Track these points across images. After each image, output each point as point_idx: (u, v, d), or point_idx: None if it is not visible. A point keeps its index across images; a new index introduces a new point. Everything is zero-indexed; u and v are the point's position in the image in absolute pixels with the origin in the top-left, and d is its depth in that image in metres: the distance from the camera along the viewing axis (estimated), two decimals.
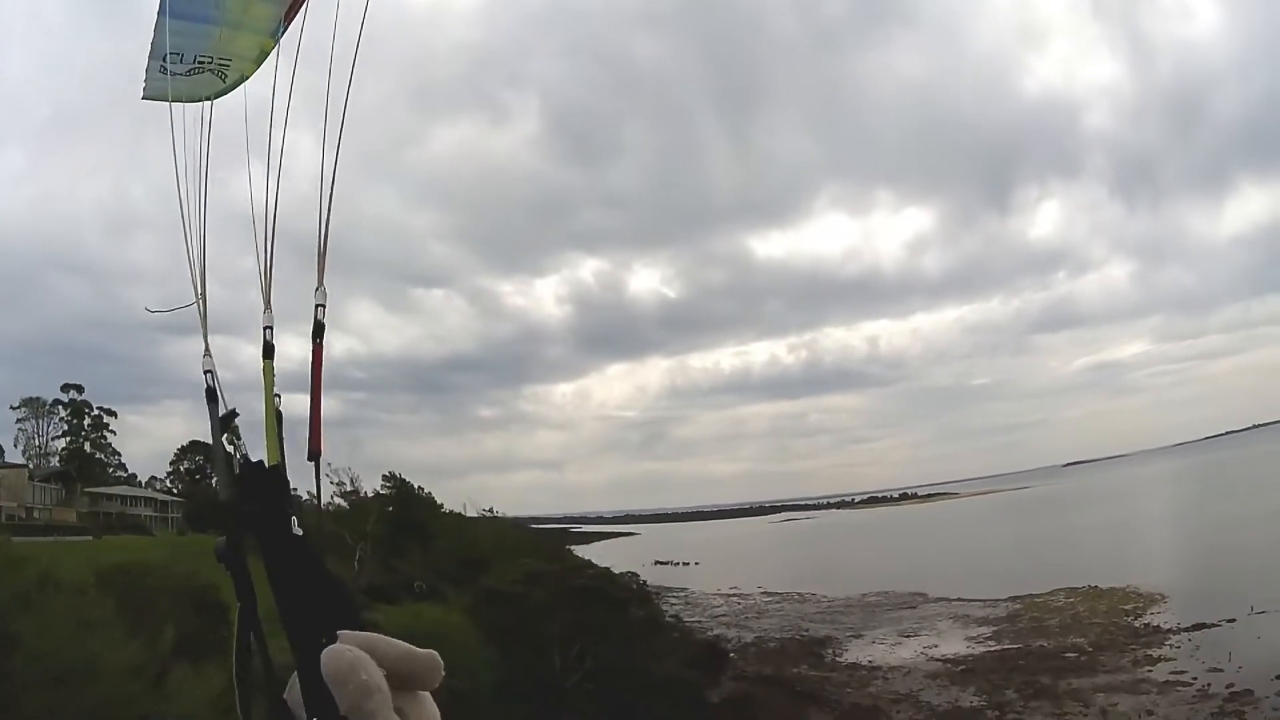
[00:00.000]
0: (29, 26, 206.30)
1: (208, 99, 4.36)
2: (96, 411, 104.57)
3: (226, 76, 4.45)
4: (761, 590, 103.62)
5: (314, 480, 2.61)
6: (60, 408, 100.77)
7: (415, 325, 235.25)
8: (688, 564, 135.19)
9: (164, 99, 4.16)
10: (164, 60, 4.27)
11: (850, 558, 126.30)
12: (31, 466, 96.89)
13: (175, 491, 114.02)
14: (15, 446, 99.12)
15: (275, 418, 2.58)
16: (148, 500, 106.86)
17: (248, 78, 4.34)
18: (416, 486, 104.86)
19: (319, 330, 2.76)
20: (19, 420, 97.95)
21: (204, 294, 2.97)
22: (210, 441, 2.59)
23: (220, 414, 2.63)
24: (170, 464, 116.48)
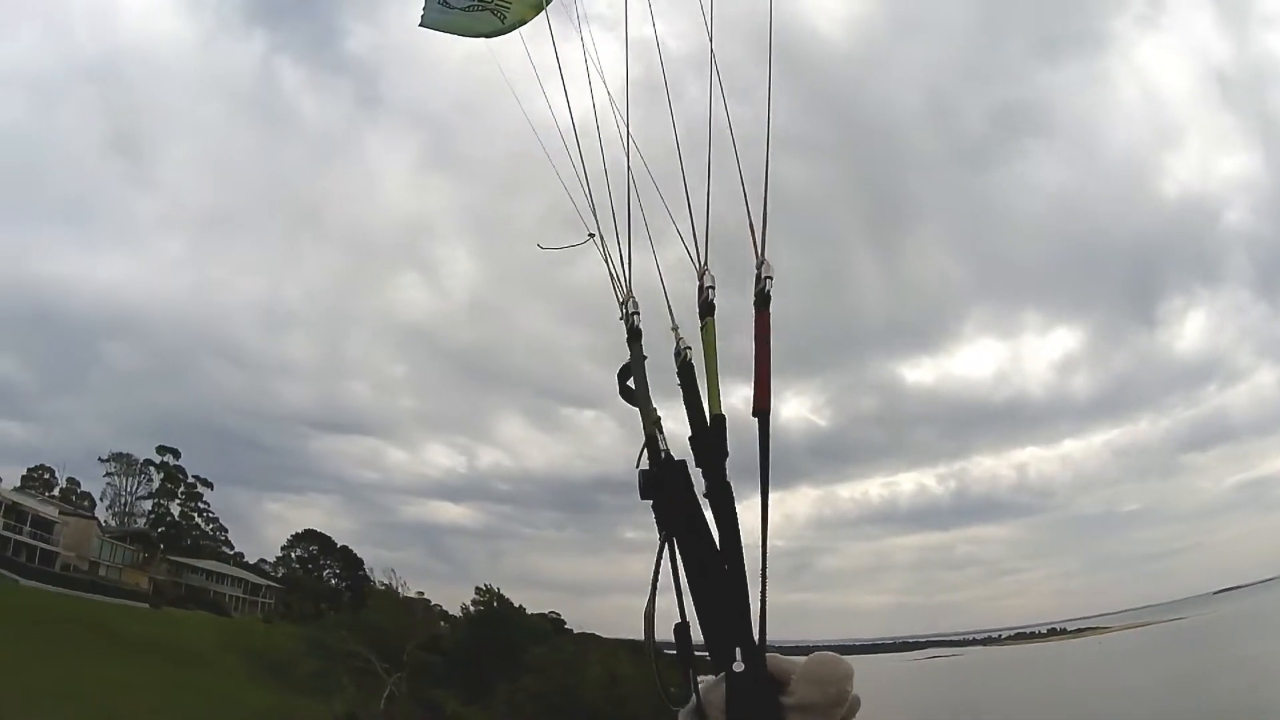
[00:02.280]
0: (190, 125, 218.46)
1: (485, 35, 5.71)
2: (191, 479, 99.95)
3: (505, 18, 5.61)
4: None
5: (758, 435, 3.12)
6: (152, 469, 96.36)
7: (565, 443, 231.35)
8: None
9: (441, 29, 5.88)
10: None
11: (1003, 709, 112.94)
12: (114, 523, 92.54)
13: (276, 577, 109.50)
14: (102, 500, 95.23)
15: (715, 373, 3.24)
16: (237, 580, 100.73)
17: (526, 22, 5.40)
18: (516, 604, 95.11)
19: (764, 300, 3.20)
20: (107, 475, 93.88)
21: (622, 230, 3.71)
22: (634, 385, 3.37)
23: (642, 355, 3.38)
24: (282, 549, 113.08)
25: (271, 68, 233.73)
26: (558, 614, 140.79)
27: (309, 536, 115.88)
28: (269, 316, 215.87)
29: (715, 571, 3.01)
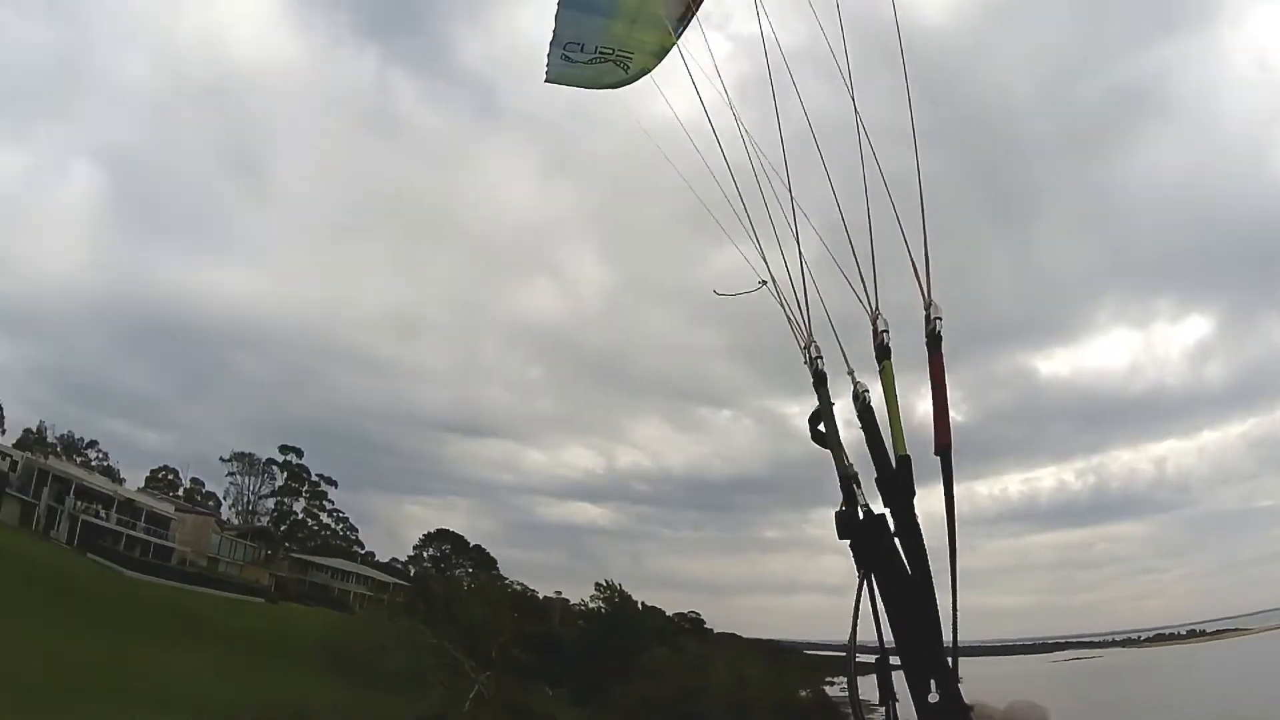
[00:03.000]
0: (309, 140, 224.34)
1: (610, 86, 6.43)
2: (315, 478, 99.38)
3: (629, 68, 6.27)
4: None
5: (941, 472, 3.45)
6: (275, 468, 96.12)
7: (702, 443, 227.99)
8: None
9: (567, 83, 6.48)
10: (564, 48, 6.13)
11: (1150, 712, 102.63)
12: (237, 522, 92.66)
13: (407, 575, 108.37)
14: (225, 499, 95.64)
15: (897, 414, 3.56)
16: (362, 577, 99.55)
17: (649, 71, 6.11)
18: (638, 602, 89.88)
19: (936, 341, 3.56)
20: (230, 474, 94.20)
21: (806, 277, 4.15)
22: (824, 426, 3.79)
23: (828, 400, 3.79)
24: (414, 548, 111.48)
25: (386, 81, 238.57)
26: (697, 614, 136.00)
27: (441, 536, 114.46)
28: (399, 324, 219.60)
29: (909, 607, 3.34)
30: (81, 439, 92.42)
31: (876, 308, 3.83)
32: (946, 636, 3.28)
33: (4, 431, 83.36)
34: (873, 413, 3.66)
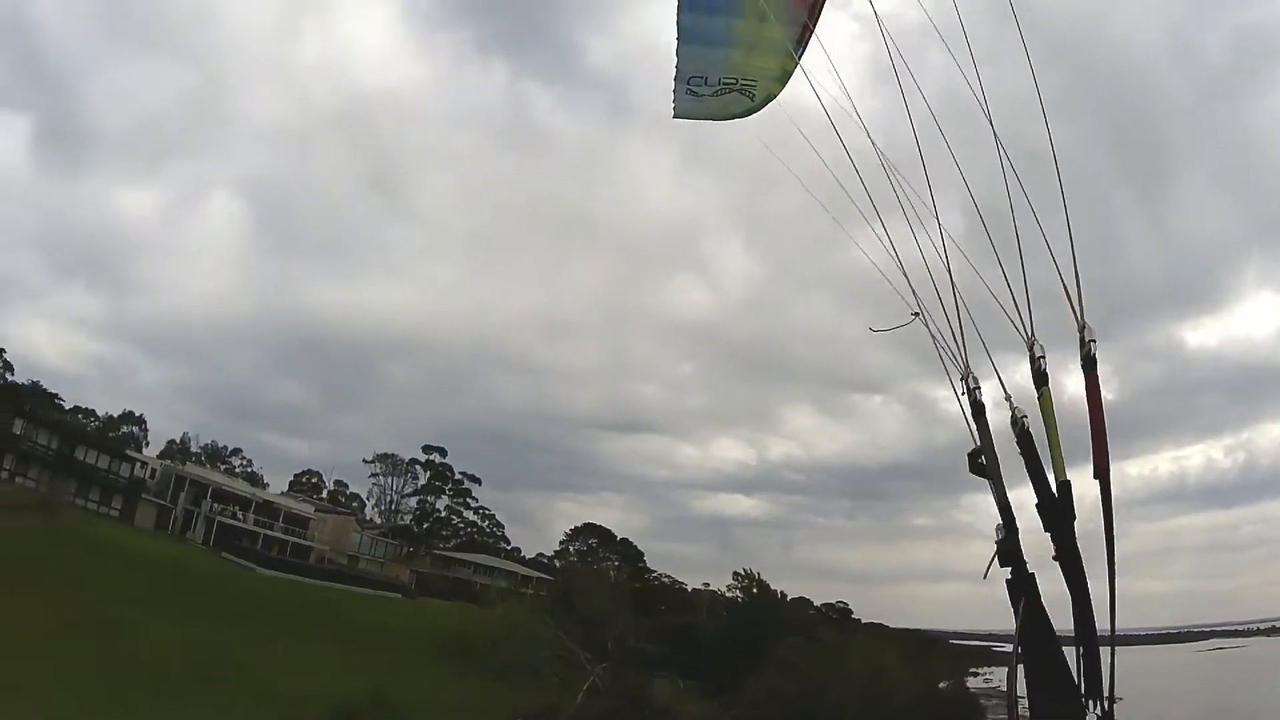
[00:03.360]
0: (444, 158, 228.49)
1: (738, 116, 6.70)
2: (458, 476, 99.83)
3: (755, 96, 6.52)
4: None
5: (1100, 495, 3.55)
6: (418, 468, 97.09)
7: (854, 431, 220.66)
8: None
9: (695, 117, 6.79)
10: (688, 83, 6.39)
11: None
12: (380, 521, 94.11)
13: (553, 569, 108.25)
14: (369, 499, 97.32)
15: (1057, 441, 3.63)
16: (505, 572, 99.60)
17: (775, 96, 6.42)
18: (778, 592, 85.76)
19: (1091, 363, 3.69)
20: (372, 475, 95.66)
21: (960, 309, 4.30)
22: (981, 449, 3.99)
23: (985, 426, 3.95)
24: (560, 543, 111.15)
25: (519, 93, 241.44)
26: (845, 603, 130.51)
27: (588, 530, 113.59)
28: (548, 327, 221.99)
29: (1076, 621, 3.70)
30: (225, 447, 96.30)
31: (1033, 334, 4.01)
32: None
33: (148, 444, 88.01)
34: (1032, 439, 3.86)
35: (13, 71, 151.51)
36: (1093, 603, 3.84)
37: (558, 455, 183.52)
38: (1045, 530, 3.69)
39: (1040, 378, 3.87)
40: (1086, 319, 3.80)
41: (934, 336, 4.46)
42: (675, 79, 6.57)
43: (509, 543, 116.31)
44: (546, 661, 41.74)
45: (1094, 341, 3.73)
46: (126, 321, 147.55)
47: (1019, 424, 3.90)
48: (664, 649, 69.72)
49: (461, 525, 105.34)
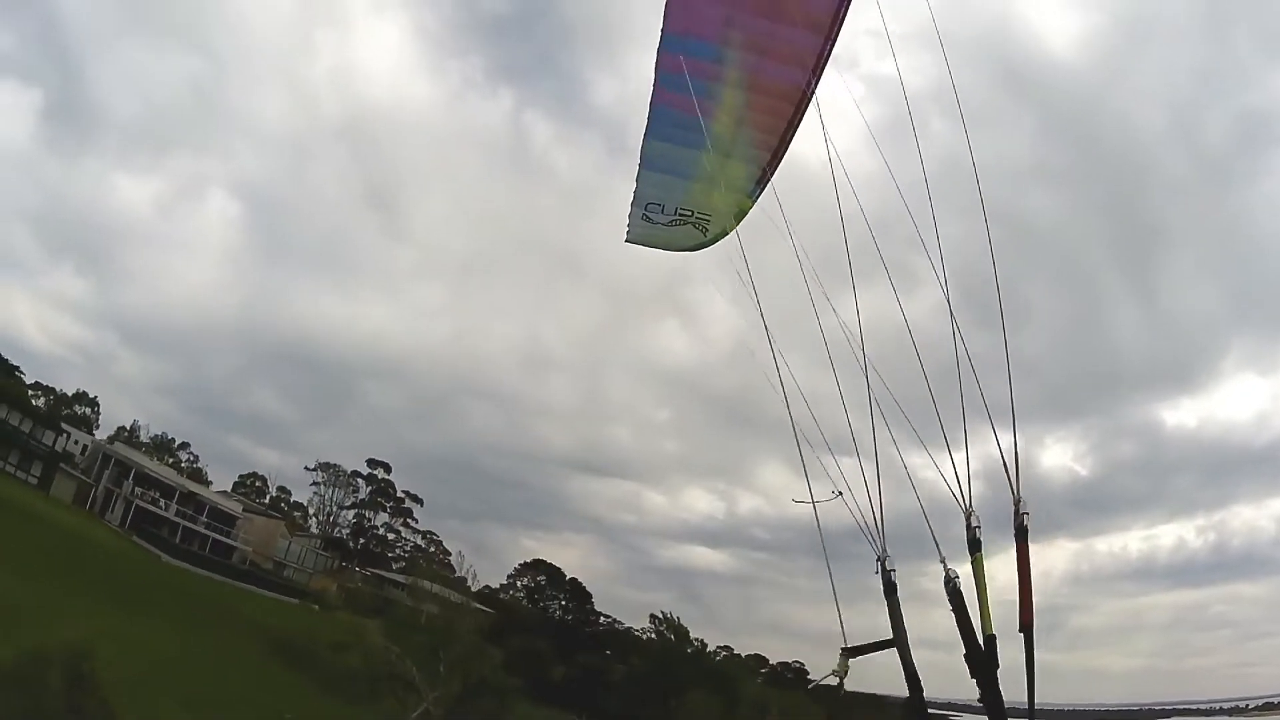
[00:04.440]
0: (443, 179, 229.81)
1: (688, 249, 6.84)
2: (400, 495, 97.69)
3: (708, 230, 6.68)
4: None
5: (1024, 647, 4.00)
6: (360, 481, 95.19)
7: (822, 491, 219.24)
8: None
9: (647, 244, 6.90)
10: (645, 209, 6.52)
11: None
12: (318, 532, 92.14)
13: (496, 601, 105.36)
14: (308, 508, 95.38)
15: (986, 600, 4.06)
16: (439, 597, 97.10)
17: (728, 233, 6.25)
18: (698, 640, 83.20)
19: (1023, 533, 4.09)
20: (313, 483, 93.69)
21: (880, 492, 4.88)
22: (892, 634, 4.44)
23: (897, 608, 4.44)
24: (508, 576, 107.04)
25: (521, 124, 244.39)
26: (800, 663, 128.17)
27: (537, 566, 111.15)
28: (529, 361, 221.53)
29: None
30: (173, 440, 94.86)
31: (970, 504, 4.43)
32: None
33: (99, 427, 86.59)
34: (962, 596, 4.28)
35: (29, 43, 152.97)
36: None
37: (525, 490, 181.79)
38: (971, 678, 4.00)
39: (974, 544, 4.25)
40: (1022, 492, 4.25)
41: (857, 518, 4.95)
42: (633, 202, 6.73)
43: (454, 570, 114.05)
44: (385, 680, 39.97)
45: (1027, 514, 4.12)
46: (111, 309, 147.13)
47: (950, 583, 4.28)
48: (584, 689, 67.56)
49: (404, 547, 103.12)
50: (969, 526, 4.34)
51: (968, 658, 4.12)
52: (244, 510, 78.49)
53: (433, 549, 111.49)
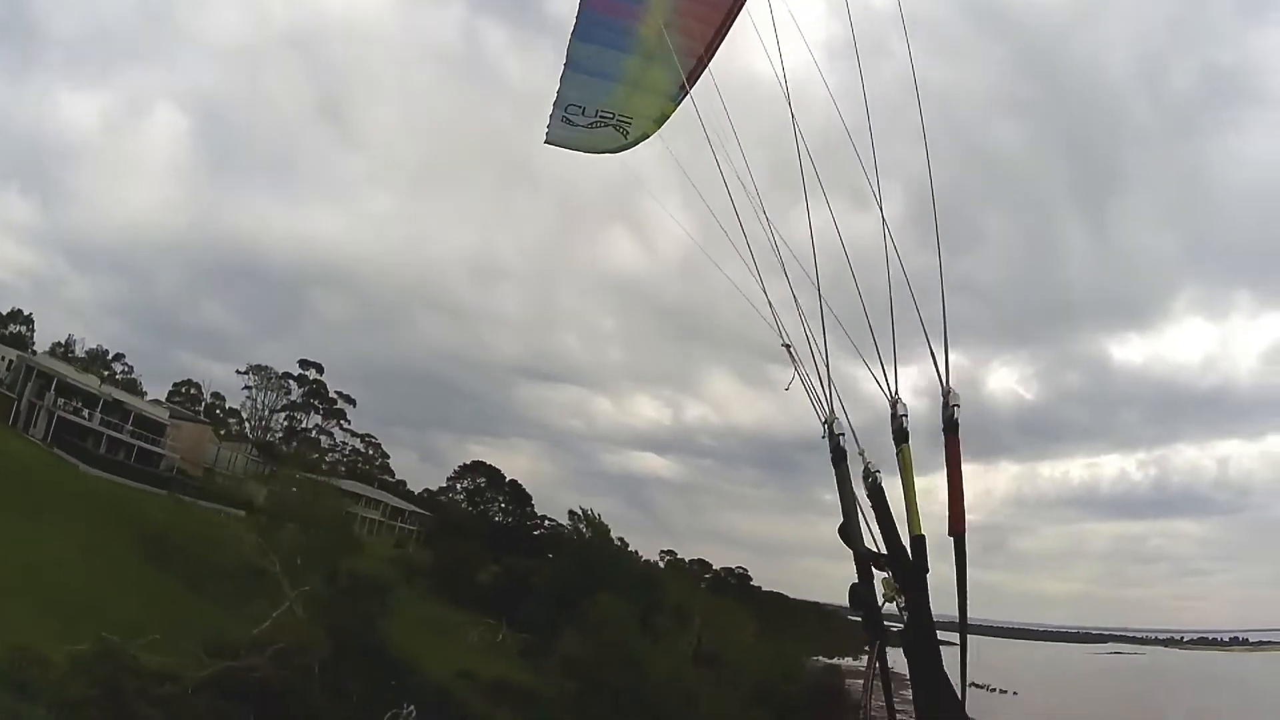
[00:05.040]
0: (395, 88, 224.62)
1: (609, 151, 6.84)
2: (333, 395, 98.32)
3: (628, 134, 6.65)
4: None
5: (954, 555, 3.72)
6: (292, 383, 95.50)
7: (770, 401, 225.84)
8: (1004, 691, 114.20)
9: (566, 146, 6.83)
10: (566, 110, 6.45)
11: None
12: (251, 437, 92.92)
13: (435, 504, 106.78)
14: (241, 411, 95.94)
15: (914, 496, 3.78)
16: (375, 502, 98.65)
17: (649, 136, 6.56)
18: (617, 538, 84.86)
19: (953, 427, 3.79)
20: (245, 387, 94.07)
21: (828, 355, 4.46)
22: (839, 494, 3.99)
23: (853, 470, 4.03)
24: (447, 480, 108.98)
25: (473, 30, 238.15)
26: (744, 569, 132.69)
27: (476, 468, 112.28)
28: (479, 269, 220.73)
29: (922, 675, 3.68)
30: (107, 351, 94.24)
31: (895, 393, 4.13)
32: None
33: (33, 345, 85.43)
34: (884, 493, 3.96)
35: None
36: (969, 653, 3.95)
37: (473, 400, 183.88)
38: (895, 584, 3.80)
39: (900, 435, 4.00)
40: (952, 384, 3.96)
41: (796, 364, 4.63)
42: (554, 103, 6.61)
43: (393, 475, 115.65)
44: (256, 577, 38.53)
45: (957, 406, 3.85)
46: (58, 230, 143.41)
47: (870, 477, 4.03)
48: (508, 593, 69.28)
49: (340, 451, 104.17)
50: (894, 415, 4.07)
51: (891, 561, 3.87)
52: (171, 417, 78.80)
53: (371, 451, 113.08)
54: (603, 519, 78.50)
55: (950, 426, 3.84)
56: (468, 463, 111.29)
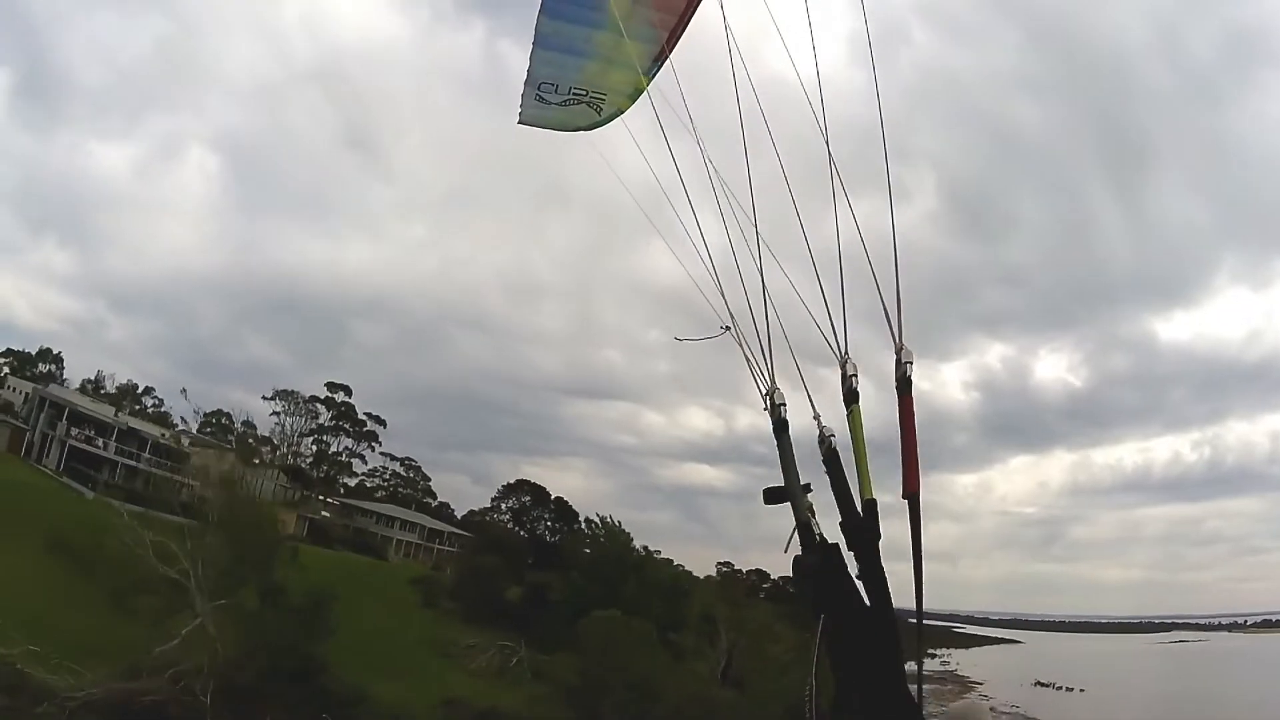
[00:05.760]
0: (420, 114, 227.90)
1: (583, 129, 6.64)
2: (361, 417, 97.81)
3: (602, 110, 6.51)
4: None
5: (909, 517, 3.60)
6: (319, 406, 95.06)
7: (822, 405, 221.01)
8: (1072, 689, 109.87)
9: (540, 125, 6.70)
10: (538, 89, 6.28)
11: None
12: (273, 459, 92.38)
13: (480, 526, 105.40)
14: (272, 438, 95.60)
15: (865, 458, 3.67)
16: (412, 525, 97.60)
17: (623, 112, 6.41)
18: (640, 548, 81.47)
19: (906, 385, 3.72)
20: (273, 413, 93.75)
21: (770, 321, 4.35)
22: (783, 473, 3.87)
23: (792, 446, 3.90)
24: (491, 500, 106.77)
25: (496, 52, 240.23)
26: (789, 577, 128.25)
27: (520, 487, 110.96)
28: (517, 289, 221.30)
29: (873, 647, 3.49)
30: (137, 386, 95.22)
31: (846, 352, 4.01)
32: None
33: (64, 381, 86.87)
34: (838, 456, 3.85)
35: None
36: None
37: (522, 419, 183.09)
38: (849, 549, 3.67)
39: (851, 396, 3.92)
40: (905, 340, 3.86)
41: (745, 351, 4.49)
42: (526, 82, 6.52)
43: (435, 497, 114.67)
44: (160, 586, 35.21)
45: (910, 363, 3.79)
46: (97, 277, 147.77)
47: (825, 442, 3.95)
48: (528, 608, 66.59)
49: (381, 475, 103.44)
50: (844, 376, 3.97)
51: (843, 525, 3.76)
52: (190, 444, 78.75)
53: (411, 474, 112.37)
54: (623, 526, 74.93)
55: (903, 384, 3.78)
56: (511, 482, 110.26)
